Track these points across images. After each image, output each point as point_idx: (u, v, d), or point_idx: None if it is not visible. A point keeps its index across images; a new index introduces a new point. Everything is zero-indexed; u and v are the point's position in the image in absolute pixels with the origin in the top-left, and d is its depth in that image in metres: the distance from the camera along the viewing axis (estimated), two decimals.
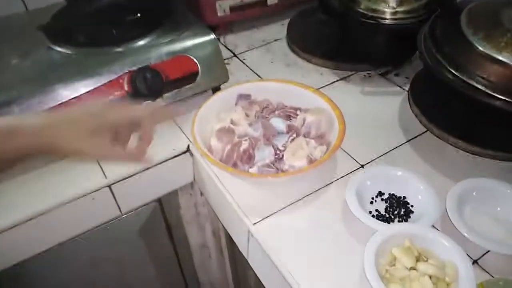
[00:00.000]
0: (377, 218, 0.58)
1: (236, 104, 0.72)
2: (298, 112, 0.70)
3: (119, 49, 0.74)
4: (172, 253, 0.90)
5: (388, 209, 0.59)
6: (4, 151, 0.43)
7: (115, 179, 0.68)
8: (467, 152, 0.68)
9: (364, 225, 0.55)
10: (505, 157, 0.65)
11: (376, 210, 0.59)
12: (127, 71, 0.72)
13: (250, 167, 0.61)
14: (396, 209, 0.59)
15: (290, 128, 0.66)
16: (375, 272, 0.48)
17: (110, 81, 0.71)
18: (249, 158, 0.62)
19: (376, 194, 0.61)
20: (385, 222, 0.57)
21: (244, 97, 0.73)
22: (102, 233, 0.75)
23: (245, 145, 0.62)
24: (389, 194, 0.61)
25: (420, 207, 0.58)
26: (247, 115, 0.70)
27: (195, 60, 0.76)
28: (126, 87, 0.72)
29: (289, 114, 0.69)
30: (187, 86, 0.76)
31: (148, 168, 0.69)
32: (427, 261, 0.50)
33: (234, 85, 0.74)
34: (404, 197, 0.60)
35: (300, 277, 0.53)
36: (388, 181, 0.61)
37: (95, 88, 0.70)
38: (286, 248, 0.56)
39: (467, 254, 0.53)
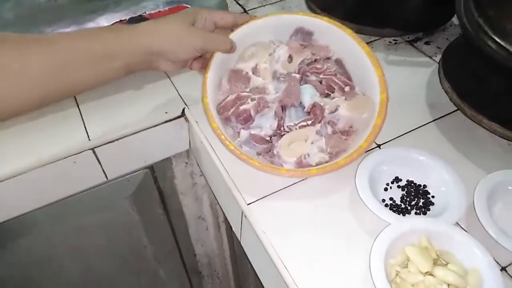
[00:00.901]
0: (391, 208, 0.50)
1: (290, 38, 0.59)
2: (346, 89, 0.57)
3: None
4: (166, 223, 0.84)
5: (405, 198, 0.51)
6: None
7: (100, 142, 0.61)
8: (504, 138, 0.58)
9: (375, 216, 0.47)
10: None
11: (391, 199, 0.51)
12: (118, 21, 0.63)
13: (243, 128, 0.52)
14: (414, 199, 0.50)
15: (312, 110, 0.55)
16: (383, 273, 0.40)
17: None
18: (246, 120, 0.53)
19: (392, 180, 0.53)
20: (400, 213, 0.49)
21: (304, 33, 0.59)
22: (88, 198, 0.70)
23: (248, 105, 0.53)
24: (407, 180, 0.52)
25: (443, 199, 0.49)
26: (289, 61, 0.58)
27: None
28: None
29: (332, 85, 0.57)
30: None
31: (136, 132, 0.62)
32: (446, 265, 0.42)
33: (297, 13, 0.59)
34: (425, 186, 0.51)
35: (293, 268, 0.46)
36: (407, 166, 0.52)
37: None
38: (281, 234, 0.49)
39: (495, 260, 0.45)
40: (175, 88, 0.67)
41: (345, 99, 0.55)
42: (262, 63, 0.57)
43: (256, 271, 0.58)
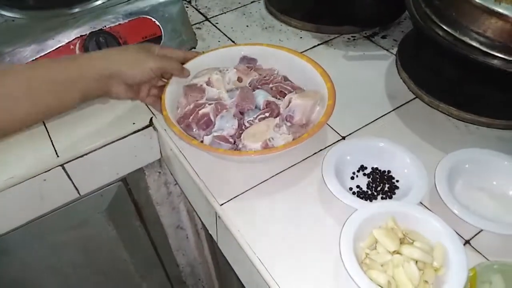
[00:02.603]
0: (358, 195, 0.51)
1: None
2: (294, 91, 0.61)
3: (70, 11, 0.66)
4: (144, 235, 0.84)
5: (371, 184, 0.52)
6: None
7: (68, 157, 0.60)
8: (460, 120, 0.61)
9: (343, 204, 0.48)
10: (502, 125, 0.59)
11: (358, 187, 0.53)
12: (78, 36, 0.64)
13: (206, 135, 0.54)
14: (380, 184, 0.52)
15: (267, 106, 0.58)
16: (353, 257, 0.41)
17: (59, 47, 0.63)
18: (206, 124, 0.54)
19: (357, 169, 0.54)
20: (366, 199, 0.51)
21: (248, 60, 0.64)
22: (62, 216, 0.69)
23: (206, 109, 0.54)
24: (372, 168, 0.54)
25: (407, 182, 0.51)
26: (239, 81, 0.62)
27: (157, 22, 0.68)
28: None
29: (283, 90, 0.60)
30: None
31: (105, 145, 0.62)
32: (412, 243, 0.43)
33: (240, 44, 0.66)
34: (389, 171, 0.53)
35: (270, 263, 0.47)
36: (371, 154, 0.54)
37: (42, 56, 0.62)
38: (256, 231, 0.50)
39: (458, 234, 0.48)
40: None
41: (295, 93, 0.57)
42: (214, 75, 0.59)
43: (235, 271, 0.58)
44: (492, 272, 0.41)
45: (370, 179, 0.53)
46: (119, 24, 0.66)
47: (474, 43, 0.52)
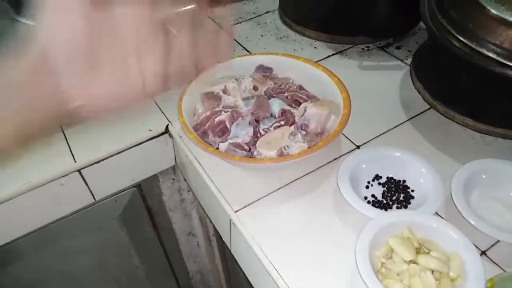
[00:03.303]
0: (373, 205, 0.51)
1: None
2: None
3: None
4: (156, 242, 0.84)
5: (386, 194, 0.52)
6: None
7: (85, 163, 0.61)
8: (476, 131, 0.61)
9: (359, 213, 0.48)
10: None
11: (373, 196, 0.53)
12: None
13: (222, 142, 0.54)
14: (395, 194, 0.52)
15: (282, 114, 0.58)
16: (369, 266, 0.41)
17: None
18: (222, 131, 0.55)
19: (372, 178, 0.55)
20: (382, 208, 0.51)
21: (264, 69, 0.65)
22: (77, 221, 0.70)
23: (222, 116, 0.55)
24: (387, 177, 0.54)
25: (422, 192, 0.51)
26: (255, 89, 0.63)
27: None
28: None
29: (298, 99, 0.61)
30: None
31: (121, 151, 0.63)
32: (429, 253, 0.43)
33: (256, 54, 0.67)
34: (404, 181, 0.53)
35: (284, 271, 0.47)
36: (386, 163, 0.54)
37: None
38: (270, 238, 0.50)
39: (475, 245, 0.47)
40: (158, 106, 0.69)
41: (311, 102, 0.57)
42: (230, 83, 0.60)
43: (249, 279, 0.58)
44: (510, 283, 0.41)
45: (385, 189, 0.53)
46: None
47: (491, 54, 0.52)
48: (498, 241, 0.48)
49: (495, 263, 0.46)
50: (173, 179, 0.76)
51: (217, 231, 0.83)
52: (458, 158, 0.56)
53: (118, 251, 0.81)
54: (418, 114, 0.64)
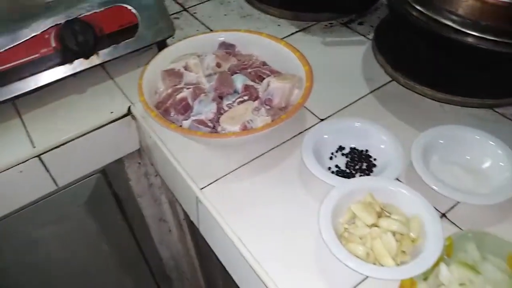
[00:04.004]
0: (337, 174, 0.52)
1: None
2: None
3: (45, 0, 0.65)
4: (126, 229, 0.83)
5: (349, 164, 0.53)
6: None
7: (45, 148, 0.59)
8: (435, 100, 0.62)
9: (323, 183, 0.49)
10: (475, 103, 0.60)
11: (336, 166, 0.53)
12: (53, 25, 0.63)
13: (185, 119, 0.53)
14: (358, 163, 0.53)
15: (245, 89, 0.58)
16: (332, 231, 0.42)
17: (34, 36, 0.61)
18: (185, 108, 0.54)
19: (336, 149, 0.55)
20: (345, 178, 0.51)
21: (226, 46, 0.64)
22: (40, 209, 0.68)
23: (184, 93, 0.54)
24: (350, 148, 0.55)
25: (383, 159, 0.52)
26: (218, 66, 0.62)
27: (133, 10, 0.67)
28: (53, 43, 0.63)
29: (261, 75, 0.60)
30: (126, 41, 0.67)
31: (82, 135, 0.61)
32: (390, 216, 0.44)
33: (218, 31, 0.66)
34: (367, 150, 0.54)
35: (251, 244, 0.47)
36: (349, 135, 0.55)
37: (15, 46, 0.60)
38: (237, 213, 0.50)
39: (435, 208, 0.48)
40: (119, 87, 0.67)
41: (274, 77, 0.57)
42: (192, 59, 0.59)
43: (218, 256, 0.58)
44: (467, 240, 0.42)
45: (348, 159, 0.54)
46: (95, 12, 0.65)
47: (447, 22, 0.53)
48: (458, 202, 0.49)
49: (455, 224, 0.47)
50: (139, 163, 0.75)
51: (187, 215, 0.82)
52: (419, 127, 0.57)
53: (87, 240, 0.79)
54: (380, 87, 0.65)
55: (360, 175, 0.52)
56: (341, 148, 0.55)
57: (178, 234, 0.90)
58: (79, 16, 0.64)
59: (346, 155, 0.54)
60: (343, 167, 0.53)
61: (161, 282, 1.00)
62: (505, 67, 0.59)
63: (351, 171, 0.52)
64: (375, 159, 0.53)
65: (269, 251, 0.46)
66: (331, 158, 0.54)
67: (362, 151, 0.54)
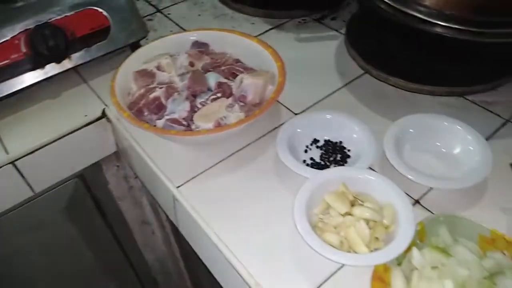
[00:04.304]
0: (312, 167, 0.52)
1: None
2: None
3: (14, 5, 0.64)
4: (108, 233, 0.82)
5: (324, 156, 0.54)
6: None
7: (19, 154, 0.59)
8: (407, 90, 0.63)
9: (298, 175, 0.49)
10: (445, 91, 0.61)
11: (311, 159, 0.54)
12: (23, 30, 0.62)
13: (159, 119, 0.53)
14: (332, 155, 0.53)
15: (219, 86, 0.58)
16: (306, 222, 0.42)
17: (3, 42, 0.61)
18: (158, 108, 0.54)
19: (310, 142, 0.55)
20: (320, 169, 0.52)
21: (199, 45, 0.64)
22: (18, 216, 0.67)
23: (157, 92, 0.54)
24: (324, 140, 0.55)
25: (357, 150, 0.53)
26: (191, 65, 0.62)
27: (104, 13, 0.67)
28: (23, 49, 0.62)
29: (235, 72, 0.60)
30: (99, 44, 0.67)
31: (56, 140, 0.60)
32: (363, 205, 0.45)
33: (191, 30, 0.66)
34: (341, 142, 0.55)
35: (228, 238, 0.47)
36: (322, 127, 0.55)
37: None
38: (213, 209, 0.50)
39: (409, 195, 0.49)
40: (93, 90, 0.67)
41: (247, 73, 0.58)
42: (164, 59, 0.59)
43: (198, 254, 0.58)
44: (439, 224, 0.43)
45: (323, 151, 0.54)
46: (66, 16, 0.64)
47: (414, 13, 0.54)
48: (431, 188, 0.50)
49: (428, 210, 0.48)
50: (118, 166, 0.74)
51: (165, 212, 0.82)
52: (392, 117, 0.58)
53: (68, 246, 0.78)
54: (353, 80, 0.66)
55: (334, 166, 0.52)
56: (315, 141, 0.55)
57: (162, 236, 0.90)
58: (49, 20, 0.63)
59: (320, 147, 0.55)
60: (318, 160, 0.53)
61: (147, 285, 0.99)
62: (472, 55, 0.61)
63: (325, 163, 0.53)
64: (349, 150, 0.54)
65: (246, 245, 0.46)
66: (306, 151, 0.55)
67: (336, 142, 0.55)
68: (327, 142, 0.55)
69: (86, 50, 0.66)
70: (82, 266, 0.83)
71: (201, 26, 0.79)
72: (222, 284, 0.54)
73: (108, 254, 0.86)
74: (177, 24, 0.80)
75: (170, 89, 0.56)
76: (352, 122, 0.54)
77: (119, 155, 0.72)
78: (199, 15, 0.82)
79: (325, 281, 0.43)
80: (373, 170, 0.51)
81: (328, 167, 0.52)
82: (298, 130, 0.54)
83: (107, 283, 0.90)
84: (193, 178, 0.53)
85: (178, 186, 0.53)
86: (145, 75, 0.57)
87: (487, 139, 0.55)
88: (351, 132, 0.54)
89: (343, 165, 0.52)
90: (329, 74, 0.67)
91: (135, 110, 0.54)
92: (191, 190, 0.52)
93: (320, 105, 0.62)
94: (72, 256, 0.80)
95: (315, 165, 0.53)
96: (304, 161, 0.53)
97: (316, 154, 0.54)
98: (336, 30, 0.76)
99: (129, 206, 0.81)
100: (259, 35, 0.76)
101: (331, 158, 0.53)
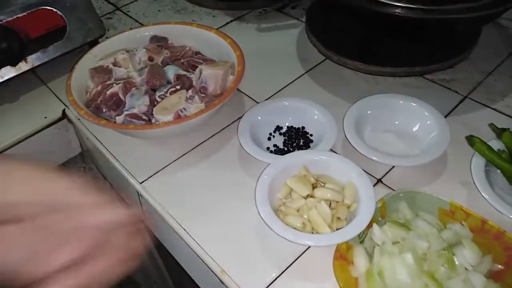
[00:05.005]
0: (275, 153, 0.52)
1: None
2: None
3: None
4: None
5: (287, 142, 0.54)
6: None
7: None
8: (368, 73, 0.64)
9: (262, 163, 0.49)
10: (405, 72, 0.62)
11: (275, 146, 0.54)
12: None
13: (118, 115, 0.52)
14: (295, 140, 0.54)
15: (178, 79, 0.57)
16: (268, 206, 0.42)
17: None
18: (116, 104, 0.53)
19: (274, 129, 0.55)
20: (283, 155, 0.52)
21: (158, 39, 0.64)
22: None
23: (114, 88, 0.53)
24: (287, 127, 0.56)
25: (319, 133, 0.53)
26: (151, 60, 0.61)
27: (59, 12, 0.65)
28: None
29: (195, 64, 0.60)
30: (55, 44, 0.65)
31: (16, 143, 0.59)
32: (324, 186, 0.45)
33: (149, 25, 0.65)
34: (303, 127, 0.55)
35: (194, 229, 0.46)
36: (284, 114, 0.56)
37: None
38: (178, 202, 0.49)
39: (371, 175, 0.50)
40: (53, 92, 0.65)
41: (206, 64, 0.57)
42: (120, 54, 0.58)
43: (167, 249, 0.57)
44: (399, 200, 0.44)
45: (286, 137, 0.54)
46: (18, 17, 0.63)
47: None
48: (393, 167, 0.51)
49: (390, 188, 0.49)
50: (84, 168, 0.73)
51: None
52: (354, 101, 0.58)
53: None
54: (314, 66, 0.66)
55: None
56: (278, 128, 0.55)
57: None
58: (1, 22, 0.61)
59: (283, 134, 0.55)
60: (281, 146, 0.53)
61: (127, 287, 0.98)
62: (427, 34, 0.62)
63: (288, 149, 0.53)
64: (311, 135, 0.54)
65: (212, 234, 0.46)
66: (269, 138, 0.55)
67: (298, 128, 0.55)
68: (290, 128, 0.55)
69: (43, 51, 0.65)
70: None
71: (162, 21, 0.78)
72: (191, 276, 0.53)
73: None
74: (137, 21, 0.79)
75: (128, 84, 0.55)
76: (312, 107, 0.54)
77: (84, 156, 0.71)
78: (159, 10, 0.81)
79: (291, 264, 0.43)
80: (335, 152, 0.51)
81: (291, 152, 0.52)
82: (259, 118, 0.54)
83: None
84: (156, 172, 0.53)
85: (142, 182, 0.52)
86: (101, 71, 0.56)
87: (447, 115, 0.57)
88: (312, 116, 0.54)
89: (306, 149, 0.52)
90: (291, 62, 0.67)
91: (93, 107, 0.53)
92: (155, 184, 0.51)
93: (282, 92, 0.62)
94: None
95: (278, 151, 0.53)
96: (268, 148, 0.53)
97: (279, 141, 0.54)
98: (297, 19, 0.77)
99: None
100: (220, 27, 0.76)
101: (294, 144, 0.53)
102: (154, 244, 0.89)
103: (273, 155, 0.50)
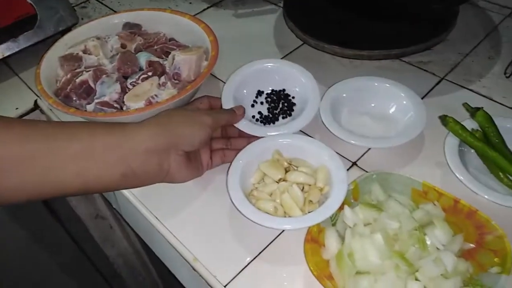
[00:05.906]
0: (261, 122, 0.53)
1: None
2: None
3: None
4: (62, 231, 0.79)
5: (271, 108, 0.54)
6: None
7: None
8: (345, 57, 0.63)
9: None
10: (382, 55, 0.62)
11: (259, 113, 0.54)
12: None
13: (88, 103, 0.51)
14: (279, 104, 0.54)
15: (150, 65, 0.56)
16: (240, 191, 0.42)
17: None
18: (87, 92, 0.52)
19: (256, 95, 0.56)
20: (269, 123, 0.53)
21: (131, 26, 0.62)
22: None
23: (84, 76, 0.52)
24: (270, 90, 0.56)
25: (302, 97, 0.53)
26: (124, 47, 0.59)
27: (28, 1, 0.63)
28: None
29: (168, 50, 0.59)
30: (25, 33, 0.64)
31: None
32: (297, 169, 0.44)
33: (121, 12, 0.64)
34: (284, 90, 0.55)
35: (167, 218, 0.46)
36: (264, 79, 0.56)
37: None
38: (152, 194, 0.48)
39: (347, 158, 0.49)
40: (25, 83, 0.64)
41: (179, 50, 0.56)
42: (90, 42, 0.57)
43: (143, 238, 0.57)
44: (372, 182, 0.43)
45: (268, 104, 0.54)
46: None
47: None
48: (368, 149, 0.50)
49: (365, 170, 0.48)
50: None
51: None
52: (330, 84, 0.58)
53: (19, 248, 0.75)
54: (292, 51, 0.65)
55: (283, 117, 0.53)
56: (260, 93, 0.56)
57: (121, 230, 0.88)
58: None
59: (266, 99, 0.55)
60: (266, 113, 0.53)
61: (112, 281, 0.97)
62: (406, 15, 0.61)
63: (274, 115, 0.53)
64: (293, 97, 0.54)
65: (184, 222, 0.45)
66: (253, 105, 0.55)
67: (280, 91, 0.55)
68: (272, 92, 0.56)
69: (13, 41, 0.63)
70: (38, 268, 0.80)
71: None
72: (166, 264, 0.53)
73: (65, 253, 0.83)
74: (111, 9, 0.77)
75: (99, 72, 0.53)
76: (296, 71, 0.54)
77: None
78: None
79: (264, 249, 0.42)
80: (308, 135, 0.50)
81: (276, 119, 0.53)
82: (245, 89, 0.55)
83: (69, 282, 0.88)
84: None
85: None
86: (71, 59, 0.55)
87: (423, 97, 0.56)
88: (294, 79, 0.55)
89: (290, 114, 0.53)
90: (269, 47, 0.67)
91: (63, 96, 0.52)
92: None
93: None
94: (24, 260, 0.77)
95: (263, 119, 0.53)
96: (254, 116, 0.53)
97: (263, 108, 0.55)
98: (275, 4, 0.75)
99: (79, 201, 0.78)
100: (197, 13, 0.74)
101: (278, 109, 0.54)
102: (137, 239, 0.88)
103: (260, 126, 0.51)
